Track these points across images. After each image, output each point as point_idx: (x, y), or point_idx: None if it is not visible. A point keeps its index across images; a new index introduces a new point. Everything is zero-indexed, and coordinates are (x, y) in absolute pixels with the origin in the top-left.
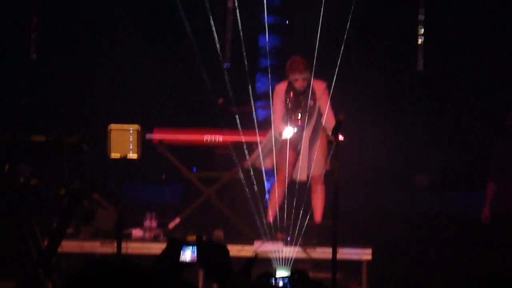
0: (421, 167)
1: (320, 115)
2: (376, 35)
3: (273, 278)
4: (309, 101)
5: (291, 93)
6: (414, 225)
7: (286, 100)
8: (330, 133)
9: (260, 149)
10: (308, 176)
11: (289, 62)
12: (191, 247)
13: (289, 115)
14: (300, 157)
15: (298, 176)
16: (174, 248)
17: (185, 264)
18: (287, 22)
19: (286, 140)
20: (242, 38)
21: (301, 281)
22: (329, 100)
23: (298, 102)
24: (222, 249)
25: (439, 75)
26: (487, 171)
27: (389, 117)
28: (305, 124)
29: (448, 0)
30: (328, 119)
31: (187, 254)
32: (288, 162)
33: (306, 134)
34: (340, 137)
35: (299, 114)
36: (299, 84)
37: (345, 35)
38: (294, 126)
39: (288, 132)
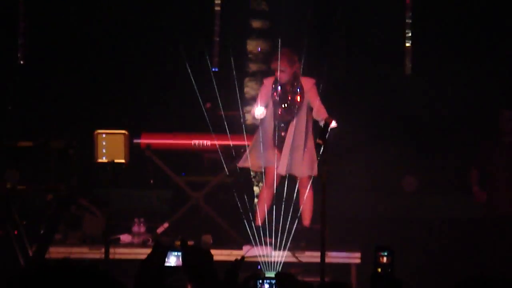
0: (409, 170)
1: (309, 113)
2: (363, 38)
3: (260, 280)
4: (296, 97)
5: (278, 87)
6: (403, 228)
7: (272, 93)
8: (320, 119)
9: (248, 151)
10: (286, 171)
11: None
12: (176, 252)
13: (275, 108)
14: (282, 150)
15: (279, 169)
16: (159, 253)
17: (169, 269)
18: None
19: (258, 120)
20: (230, 42)
21: (288, 283)
22: (318, 96)
23: (285, 96)
24: (206, 253)
25: (427, 78)
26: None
27: (377, 121)
28: (291, 118)
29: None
30: (317, 111)
31: (172, 259)
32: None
33: (291, 129)
34: (333, 124)
35: (284, 105)
36: (280, 76)
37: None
38: (279, 120)
39: (259, 110)
